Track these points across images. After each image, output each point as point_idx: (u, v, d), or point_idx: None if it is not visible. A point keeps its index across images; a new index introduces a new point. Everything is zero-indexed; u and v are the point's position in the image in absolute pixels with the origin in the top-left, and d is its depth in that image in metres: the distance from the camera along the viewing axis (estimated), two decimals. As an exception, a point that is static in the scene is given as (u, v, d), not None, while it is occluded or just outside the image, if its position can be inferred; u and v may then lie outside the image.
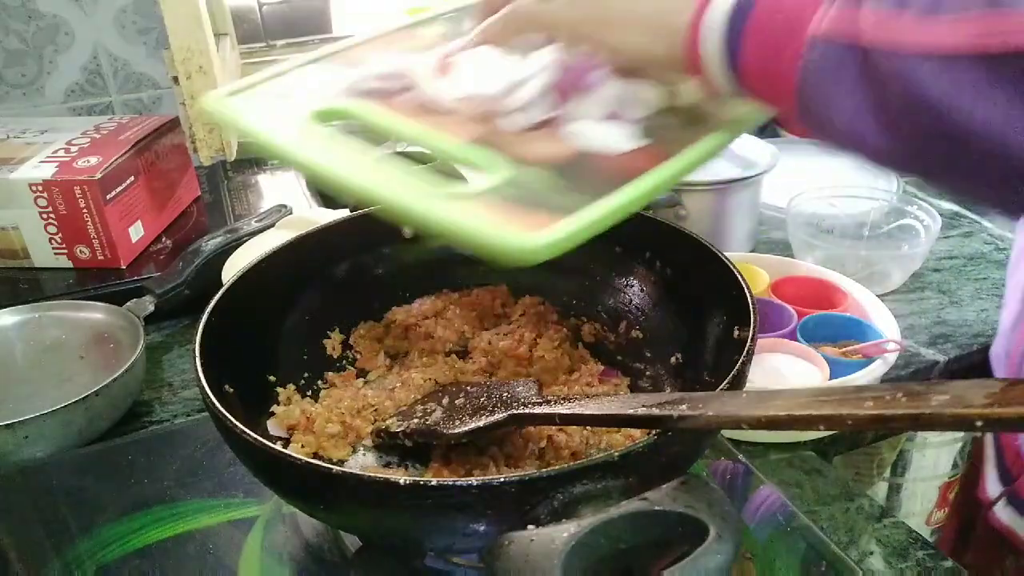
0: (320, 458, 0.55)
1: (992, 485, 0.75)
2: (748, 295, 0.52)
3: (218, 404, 0.45)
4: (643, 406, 0.41)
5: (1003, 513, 0.73)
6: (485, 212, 0.43)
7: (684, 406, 0.39)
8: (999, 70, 0.35)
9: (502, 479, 0.38)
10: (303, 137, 0.50)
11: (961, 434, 1.12)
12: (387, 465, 0.55)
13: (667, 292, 0.63)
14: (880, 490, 1.42)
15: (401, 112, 0.51)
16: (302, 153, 0.48)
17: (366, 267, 0.66)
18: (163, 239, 0.97)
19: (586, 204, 0.43)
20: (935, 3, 0.37)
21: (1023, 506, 0.71)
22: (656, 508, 0.36)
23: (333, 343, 0.64)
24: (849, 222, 1.01)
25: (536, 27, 0.53)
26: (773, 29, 0.43)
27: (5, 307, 0.79)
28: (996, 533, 0.73)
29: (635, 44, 0.49)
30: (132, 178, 0.91)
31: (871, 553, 0.60)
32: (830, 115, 0.42)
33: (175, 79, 1.04)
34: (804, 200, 0.98)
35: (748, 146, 0.99)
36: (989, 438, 0.77)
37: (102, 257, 0.90)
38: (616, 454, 0.40)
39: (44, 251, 0.90)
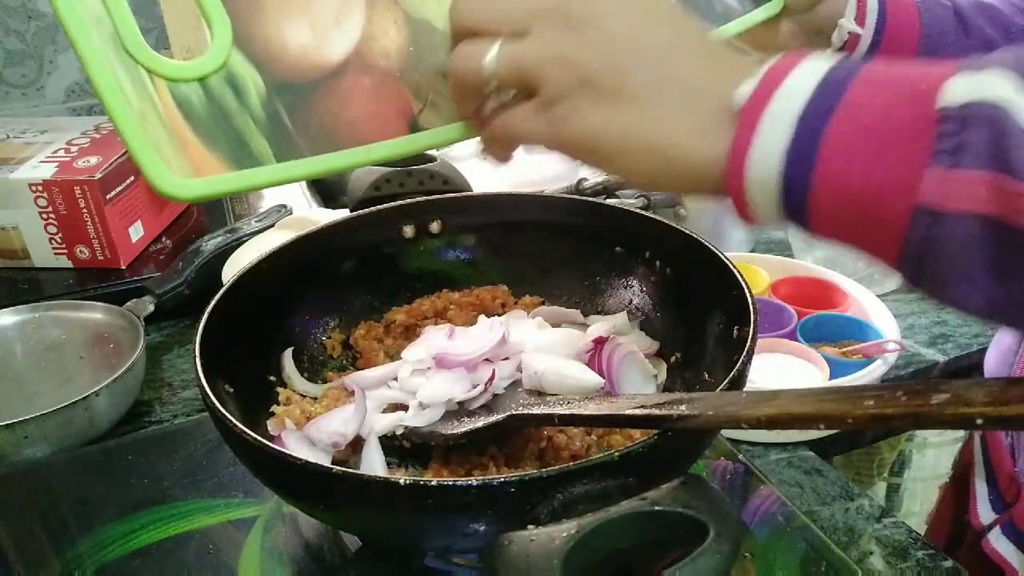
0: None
1: (984, 509, 0.72)
2: (748, 295, 0.52)
3: (218, 404, 0.45)
4: (643, 406, 0.41)
5: (998, 543, 0.68)
6: (164, 120, 0.40)
7: (684, 406, 0.39)
8: None
9: (502, 479, 0.38)
10: None
11: (962, 434, 1.12)
12: (387, 465, 0.55)
13: (667, 292, 0.63)
14: (880, 490, 1.42)
15: None
16: None
17: (366, 268, 0.66)
18: (163, 239, 0.97)
19: (262, 162, 0.41)
20: None
21: (1020, 537, 0.66)
22: (656, 508, 0.36)
23: (333, 343, 0.64)
24: (849, 222, 1.00)
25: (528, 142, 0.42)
26: (864, 168, 0.31)
27: (5, 307, 0.79)
28: (990, 563, 0.68)
29: (650, 171, 0.37)
30: (132, 178, 0.91)
31: (871, 553, 0.60)
32: (949, 289, 0.33)
33: (175, 79, 1.05)
34: (804, 200, 0.98)
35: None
36: (979, 457, 0.74)
37: (102, 257, 0.90)
38: (616, 454, 0.40)
39: (44, 251, 0.90)
